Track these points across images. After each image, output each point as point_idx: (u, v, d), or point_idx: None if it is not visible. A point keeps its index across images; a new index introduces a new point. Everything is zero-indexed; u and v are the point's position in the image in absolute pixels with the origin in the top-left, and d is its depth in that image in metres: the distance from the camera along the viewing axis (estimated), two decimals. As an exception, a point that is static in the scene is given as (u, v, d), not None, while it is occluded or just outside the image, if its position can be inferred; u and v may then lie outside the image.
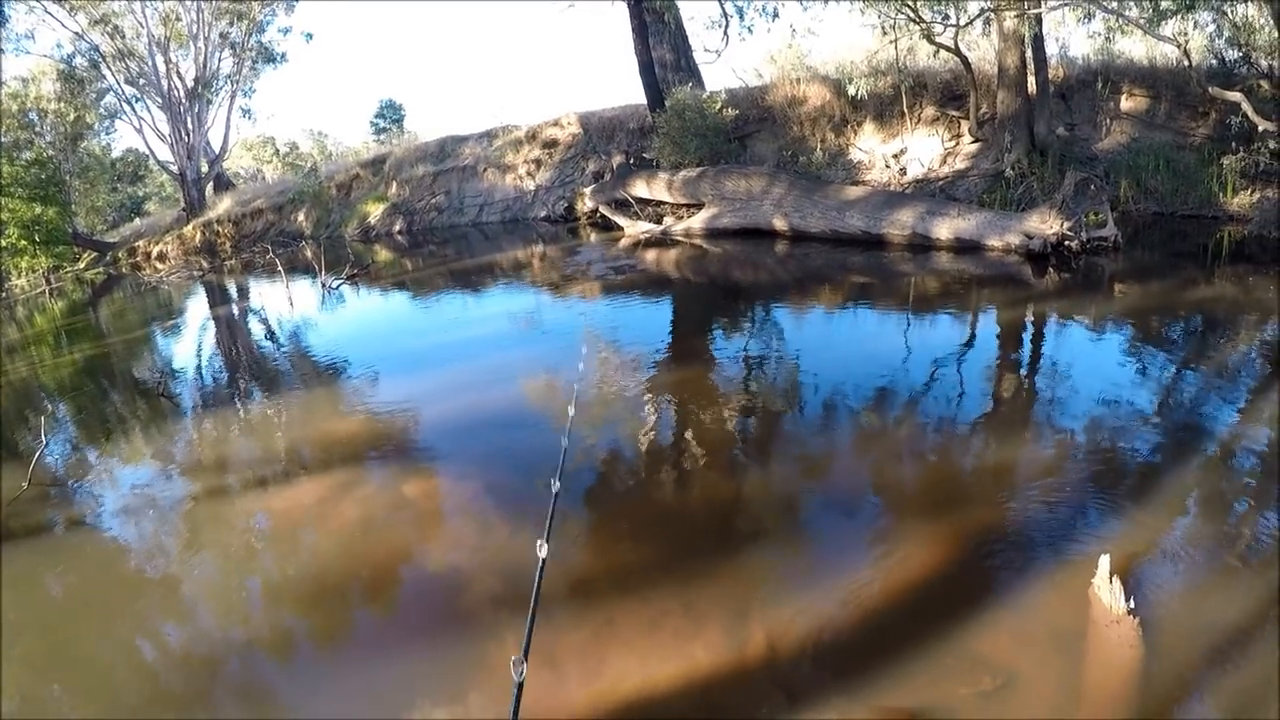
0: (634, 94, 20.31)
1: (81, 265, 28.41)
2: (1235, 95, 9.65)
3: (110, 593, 5.05)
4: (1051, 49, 12.47)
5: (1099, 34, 12.66)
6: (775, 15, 16.92)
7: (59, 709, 3.94)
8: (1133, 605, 3.02)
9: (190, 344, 13.73)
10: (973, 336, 6.98)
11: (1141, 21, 9.91)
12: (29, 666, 4.31)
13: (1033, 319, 7.31)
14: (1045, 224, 8.31)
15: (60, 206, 26.07)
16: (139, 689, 3.91)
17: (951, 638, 3.19)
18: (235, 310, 16.64)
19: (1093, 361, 6.03)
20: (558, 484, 3.19)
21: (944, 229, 9.43)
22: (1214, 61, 11.58)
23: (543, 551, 2.72)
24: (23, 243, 25.26)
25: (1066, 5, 11.35)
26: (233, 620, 4.43)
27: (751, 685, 3.20)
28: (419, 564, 4.63)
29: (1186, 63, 10.59)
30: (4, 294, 25.24)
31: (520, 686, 2.02)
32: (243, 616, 4.45)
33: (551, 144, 19.41)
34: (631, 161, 16.15)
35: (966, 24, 11.47)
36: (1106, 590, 3.10)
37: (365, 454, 6.35)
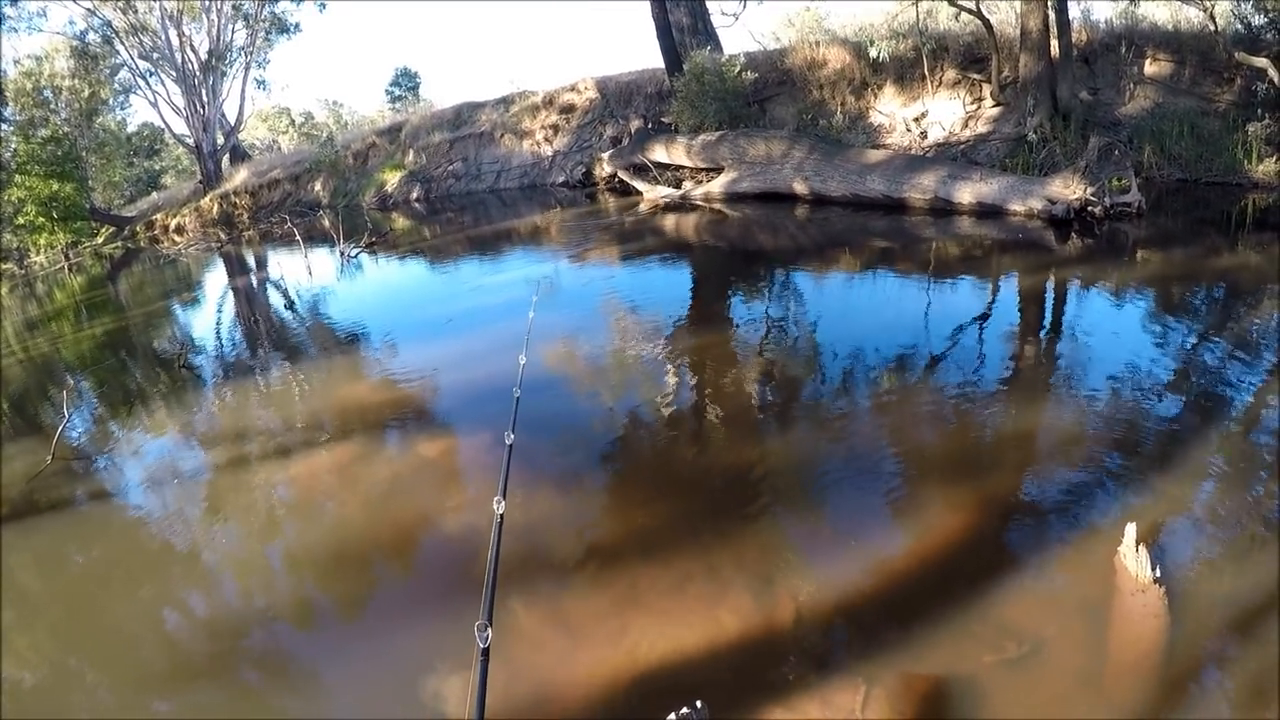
0: (651, 58, 20.23)
1: (100, 240, 28.56)
2: (1261, 61, 9.52)
3: (134, 563, 5.13)
4: (1074, 12, 12.33)
5: (1123, -3, 12.50)
6: (794, -24, 16.79)
7: (84, 678, 3.99)
8: (1158, 574, 3.02)
9: (210, 315, 13.84)
10: (995, 302, 6.97)
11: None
12: (56, 636, 4.38)
13: (1055, 285, 7.28)
14: (1068, 189, 8.26)
15: (77, 182, 26.24)
16: (163, 657, 3.97)
17: (976, 605, 3.19)
18: (254, 281, 16.74)
19: (1115, 329, 6.00)
20: (512, 436, 3.14)
21: (966, 193, 9.38)
22: (1239, 26, 11.40)
23: (500, 508, 2.65)
24: (41, 219, 25.48)
25: (1091, -35, 11.23)
26: (255, 589, 4.49)
27: (777, 651, 3.21)
28: (438, 528, 4.69)
29: (1212, 27, 10.45)
30: (24, 270, 25.46)
31: (486, 653, 1.93)
32: (265, 585, 4.52)
33: (569, 109, 19.33)
34: (650, 126, 16.09)
35: (989, -16, 11.32)
36: (1132, 558, 3.10)
37: (384, 421, 6.43)
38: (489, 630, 1.87)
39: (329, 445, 6.21)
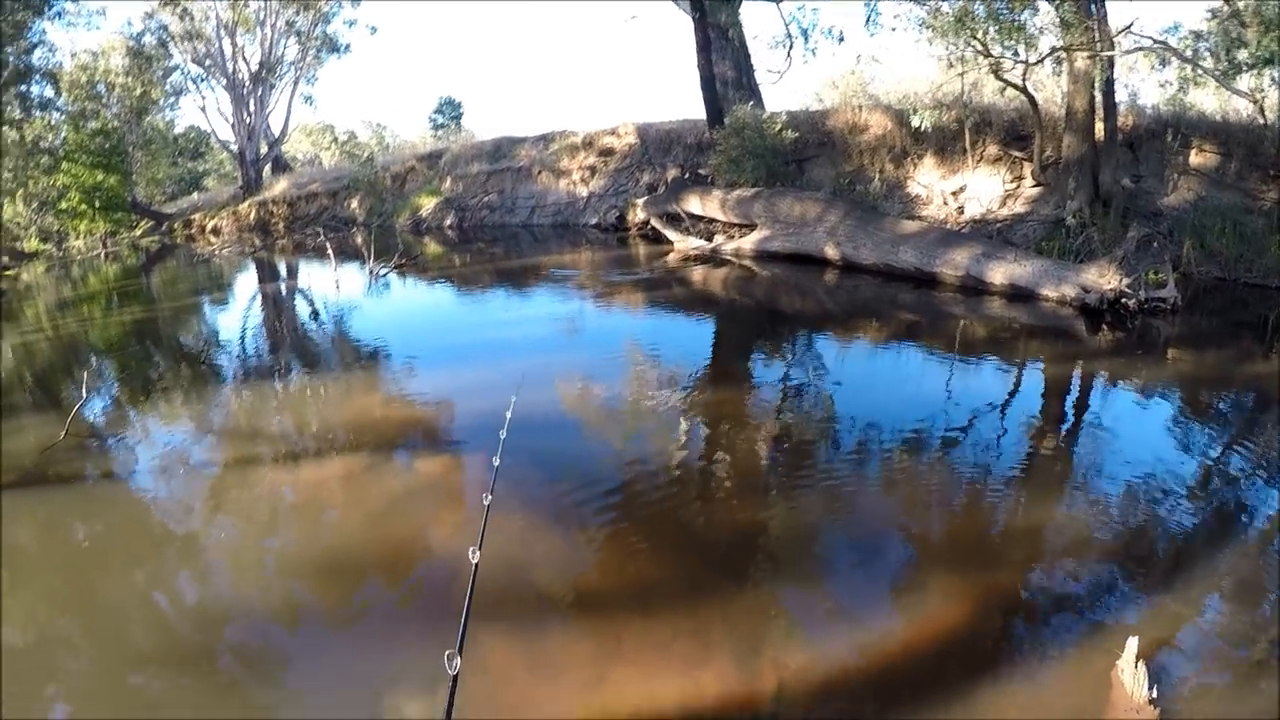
0: (693, 108, 20.36)
1: (138, 232, 29.34)
2: (1311, 159, 9.39)
3: (133, 543, 5.27)
4: (1121, 95, 12.23)
5: (1170, 83, 12.44)
6: (841, 39, 16.92)
7: (71, 643, 4.09)
8: (1155, 694, 2.93)
9: (236, 316, 14.06)
10: (1017, 389, 6.85)
11: (1216, 73, 9.71)
12: (49, 603, 4.55)
13: (1081, 377, 7.17)
14: (1103, 278, 8.15)
15: (121, 175, 27.15)
16: (146, 634, 4.08)
17: (965, 702, 3.13)
18: (283, 288, 17.01)
19: (1137, 429, 5.88)
20: (490, 497, 3.22)
21: (999, 273, 9.29)
22: (1290, 121, 11.28)
23: (475, 558, 2.75)
24: (83, 206, 26.46)
25: (1140, 50, 11.16)
26: (246, 583, 4.60)
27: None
28: (432, 549, 4.73)
29: (1261, 120, 10.33)
30: (62, 253, 26.03)
31: (455, 680, 1.97)
32: (256, 580, 4.63)
33: (607, 152, 19.49)
34: (686, 176, 16.14)
35: (1036, 62, 11.29)
36: (1130, 674, 3.01)
37: (394, 438, 6.53)
38: (458, 659, 1.91)
39: (338, 455, 6.34)
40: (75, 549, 5.30)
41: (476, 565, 2.71)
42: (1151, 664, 3.07)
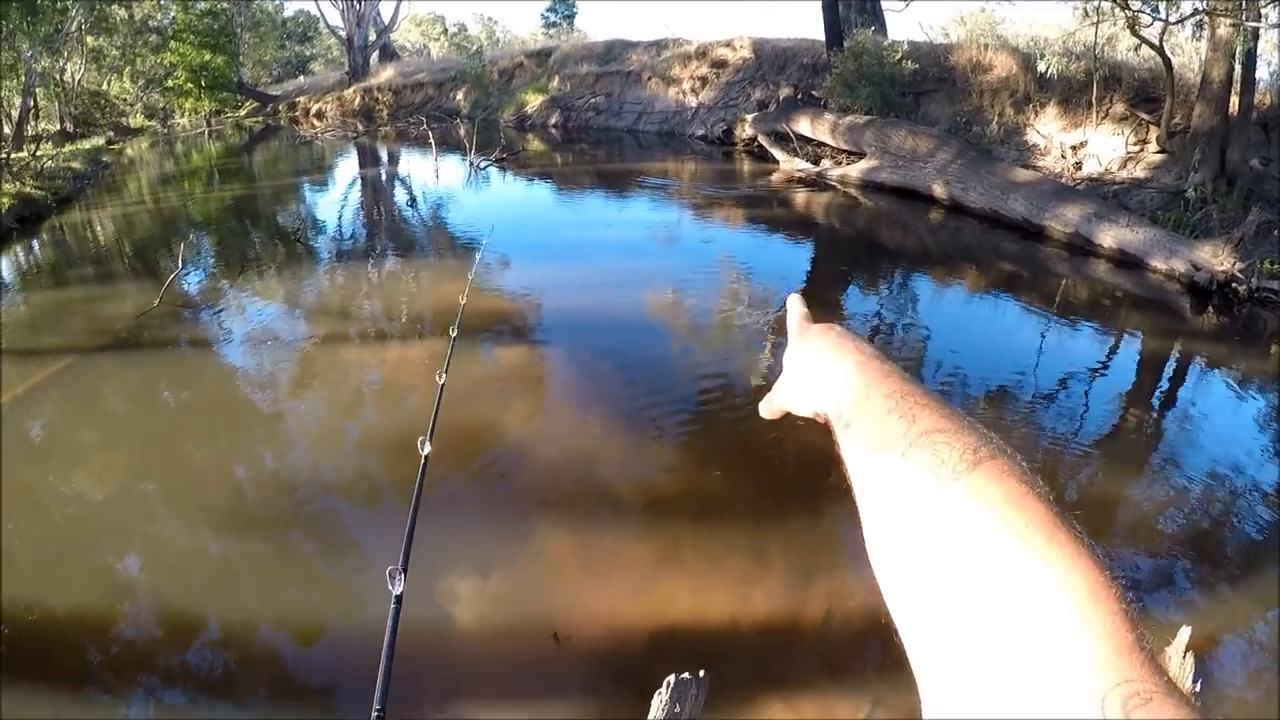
0: (812, 28, 19.94)
1: (242, 112, 30.22)
2: None
3: (216, 410, 5.53)
4: (1262, 72, 11.70)
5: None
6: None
7: (149, 504, 4.34)
8: (1198, 687, 2.89)
9: (334, 199, 14.50)
10: (1111, 358, 6.76)
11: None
12: (132, 462, 4.80)
13: (1179, 357, 7.02)
14: (1217, 258, 8.05)
15: (229, 56, 28.07)
16: (223, 499, 4.32)
17: None
18: (383, 174, 17.42)
19: (1229, 421, 5.64)
20: (444, 376, 3.05)
21: (1109, 236, 9.21)
22: None
23: (425, 450, 2.59)
24: (189, 85, 27.37)
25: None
26: (322, 459, 4.80)
27: (796, 645, 3.25)
28: (505, 435, 4.91)
29: None
30: (167, 129, 26.82)
31: (399, 599, 1.68)
32: (334, 455, 4.82)
33: (720, 64, 19.31)
34: (799, 97, 15.99)
35: (1177, 22, 10.89)
36: (1178, 663, 2.92)
37: (482, 328, 6.65)
38: (402, 577, 1.60)
39: (421, 340, 6.56)
40: (161, 412, 5.58)
41: (426, 458, 2.65)
42: (1201, 657, 3.00)
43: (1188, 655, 2.94)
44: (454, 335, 3.00)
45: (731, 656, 3.12)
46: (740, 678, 2.99)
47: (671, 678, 2.35)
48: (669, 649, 3.15)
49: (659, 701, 2.31)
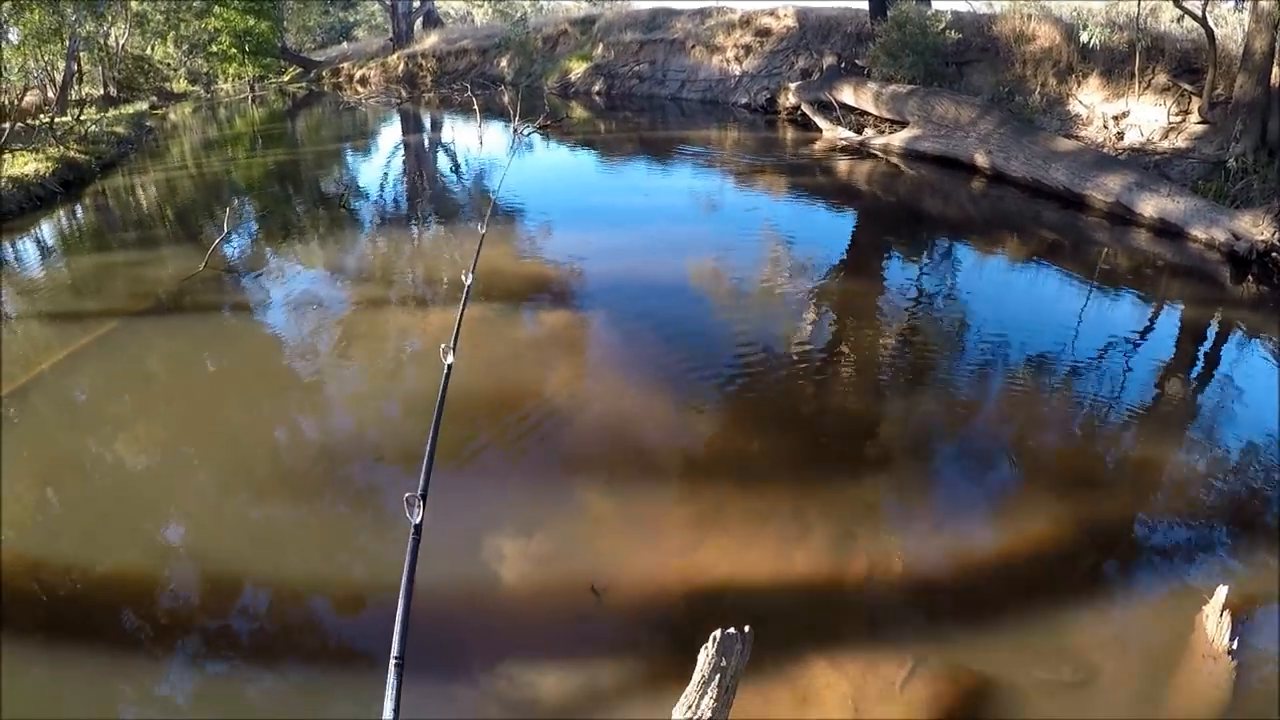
0: (857, -4, 19.89)
1: (286, 78, 30.47)
2: None
3: (259, 376, 5.63)
4: (1305, 42, 11.69)
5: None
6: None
7: (188, 466, 4.41)
8: (1235, 645, 2.93)
9: (378, 164, 14.67)
10: (1151, 326, 6.80)
11: None
12: (174, 426, 4.88)
13: (1219, 325, 7.01)
14: (1257, 228, 8.20)
15: (273, 21, 28.03)
16: (262, 463, 4.40)
17: (1046, 622, 3.19)
18: (426, 141, 17.56)
19: (1267, 389, 5.58)
20: (470, 277, 3.32)
21: (1150, 206, 9.38)
22: None
23: (448, 359, 2.64)
24: (233, 50, 27.30)
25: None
26: (363, 424, 4.90)
27: (838, 604, 3.33)
28: (545, 397, 5.01)
29: None
30: (210, 95, 27.10)
31: (418, 529, 1.64)
32: (374, 422, 4.91)
33: (764, 32, 19.41)
34: (842, 65, 16.11)
35: (1221, -7, 10.92)
36: (1214, 622, 3.02)
37: (524, 294, 6.83)
38: (421, 504, 1.53)
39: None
40: (204, 376, 5.69)
41: (450, 366, 2.61)
42: (1238, 618, 3.06)
43: (1224, 614, 3.01)
44: (483, 232, 3.03)
45: (774, 615, 3.20)
46: (783, 635, 3.06)
47: (718, 632, 2.39)
48: (711, 607, 3.25)
49: (705, 655, 2.37)
